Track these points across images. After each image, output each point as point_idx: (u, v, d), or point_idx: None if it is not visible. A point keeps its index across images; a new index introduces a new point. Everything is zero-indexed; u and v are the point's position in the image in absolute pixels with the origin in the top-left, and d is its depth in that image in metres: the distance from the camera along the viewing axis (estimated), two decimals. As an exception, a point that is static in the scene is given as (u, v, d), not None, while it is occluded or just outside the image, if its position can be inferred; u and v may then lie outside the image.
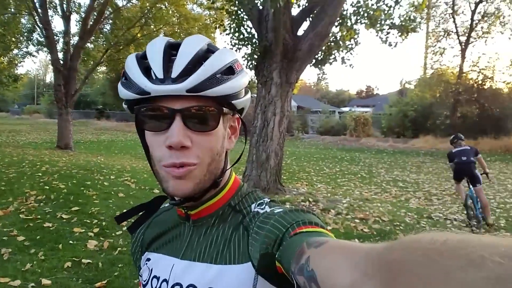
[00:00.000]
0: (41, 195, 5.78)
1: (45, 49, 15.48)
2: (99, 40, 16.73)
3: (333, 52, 8.06)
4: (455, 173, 6.16)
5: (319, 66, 8.14)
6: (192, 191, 0.63)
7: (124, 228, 4.65)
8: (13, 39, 16.31)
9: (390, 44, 8.19)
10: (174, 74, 0.60)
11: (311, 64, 7.81)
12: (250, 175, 7.07)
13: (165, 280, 0.69)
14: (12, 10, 14.55)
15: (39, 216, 4.88)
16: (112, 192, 6.30)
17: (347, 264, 0.38)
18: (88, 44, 15.06)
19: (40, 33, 14.93)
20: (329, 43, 7.76)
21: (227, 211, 0.70)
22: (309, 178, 9.90)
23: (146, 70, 0.62)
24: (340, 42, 8.01)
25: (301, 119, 29.24)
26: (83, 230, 4.53)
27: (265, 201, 0.69)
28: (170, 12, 15.64)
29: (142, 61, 0.64)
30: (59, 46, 14.10)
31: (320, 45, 7.03)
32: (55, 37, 13.79)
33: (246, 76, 0.68)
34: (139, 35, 15.50)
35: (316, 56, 7.65)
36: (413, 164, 14.04)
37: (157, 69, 0.60)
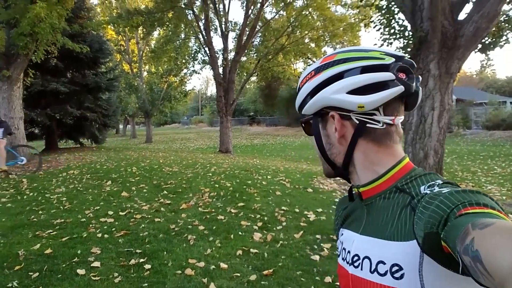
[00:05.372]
0: (213, 192, 6.56)
1: (208, 66, 17.81)
2: (251, 52, 18.29)
3: (505, 34, 6.91)
4: None
5: (487, 51, 7.09)
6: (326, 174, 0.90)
7: (284, 224, 5.00)
8: (183, 60, 19.35)
9: None
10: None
11: (477, 50, 6.87)
12: (406, 174, 6.64)
13: (349, 251, 0.82)
14: (183, 36, 17.21)
15: (213, 210, 5.57)
16: (270, 191, 6.72)
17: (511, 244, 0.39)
18: (242, 58, 16.64)
19: (203, 52, 17.27)
20: (499, 24, 6.70)
21: (393, 192, 0.76)
22: (475, 179, 8.71)
23: None
24: None
25: (461, 113, 25.69)
26: (249, 224, 5.00)
27: (437, 183, 0.70)
28: (315, 17, 15.99)
29: None
30: (219, 62, 16.02)
31: (488, 28, 6.11)
32: (215, 54, 15.73)
33: (313, 80, 0.82)
34: (286, 43, 16.34)
35: (483, 40, 6.69)
36: None
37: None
